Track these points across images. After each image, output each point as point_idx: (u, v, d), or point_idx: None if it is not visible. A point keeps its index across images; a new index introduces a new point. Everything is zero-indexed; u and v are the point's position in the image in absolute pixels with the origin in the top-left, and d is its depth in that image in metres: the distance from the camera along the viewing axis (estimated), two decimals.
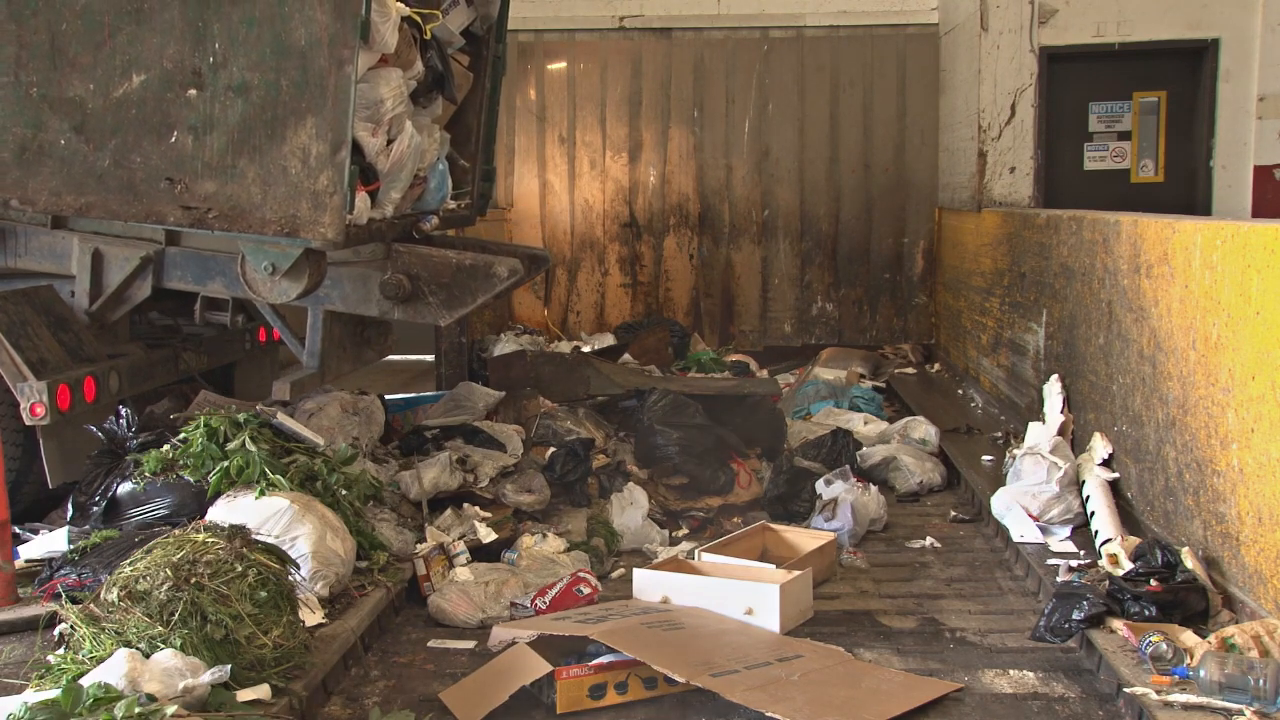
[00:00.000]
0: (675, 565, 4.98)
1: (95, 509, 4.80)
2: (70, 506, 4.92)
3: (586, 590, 4.77)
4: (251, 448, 4.67)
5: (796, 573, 4.70)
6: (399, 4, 5.20)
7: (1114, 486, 5.28)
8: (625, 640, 3.96)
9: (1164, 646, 3.72)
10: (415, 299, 5.60)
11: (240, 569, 3.62)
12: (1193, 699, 3.48)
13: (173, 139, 4.66)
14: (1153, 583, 4.15)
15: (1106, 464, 5.39)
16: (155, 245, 5.65)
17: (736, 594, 4.56)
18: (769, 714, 3.63)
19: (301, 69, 4.63)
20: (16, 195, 4.69)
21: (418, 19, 5.47)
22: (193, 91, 4.62)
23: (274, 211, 4.72)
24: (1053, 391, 6.15)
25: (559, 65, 11.15)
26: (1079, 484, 5.42)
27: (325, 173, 4.67)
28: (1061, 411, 5.98)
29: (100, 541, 4.43)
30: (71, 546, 4.53)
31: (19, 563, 4.64)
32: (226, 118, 4.66)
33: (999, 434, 7.11)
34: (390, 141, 5.29)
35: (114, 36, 4.58)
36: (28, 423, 5.04)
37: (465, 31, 6.46)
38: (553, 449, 6.15)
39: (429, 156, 5.82)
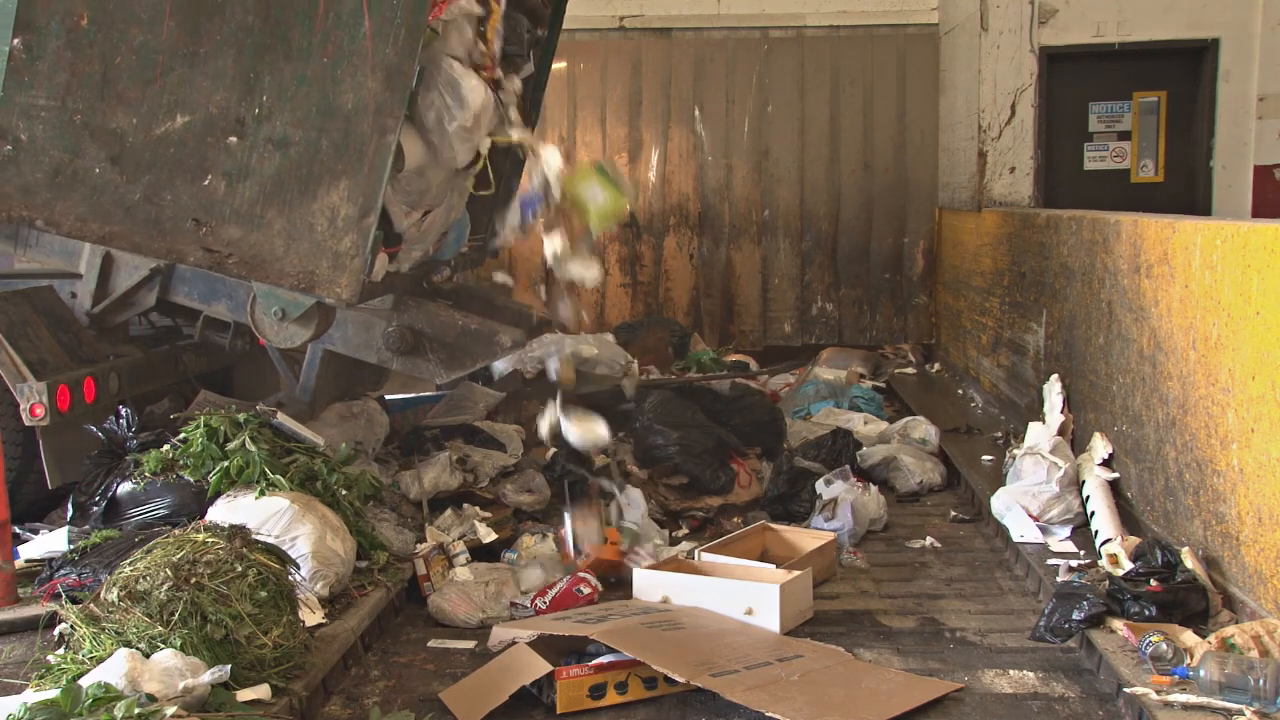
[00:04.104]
0: (675, 565, 4.98)
1: (95, 509, 4.80)
2: (70, 506, 4.93)
3: (586, 590, 4.77)
4: (251, 448, 4.67)
5: (796, 573, 4.70)
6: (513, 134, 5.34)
7: (1114, 486, 5.27)
8: (625, 640, 3.96)
9: (1164, 646, 3.72)
10: (416, 353, 5.59)
11: (240, 569, 3.62)
12: (1193, 699, 3.47)
13: (206, 182, 4.68)
14: (1153, 583, 4.15)
15: (1106, 464, 5.38)
16: None
17: (736, 594, 4.56)
18: (769, 714, 3.63)
19: (344, 131, 4.64)
20: (43, 216, 4.69)
21: (521, 152, 5.59)
22: (233, 139, 4.63)
23: (294, 265, 4.73)
24: (1053, 391, 6.15)
25: (559, 65, 11.08)
26: (1079, 484, 5.42)
27: (350, 235, 4.68)
28: (1061, 411, 5.97)
29: (100, 541, 4.43)
30: (71, 546, 4.53)
31: (19, 563, 4.64)
32: (262, 168, 4.67)
33: (999, 434, 7.11)
34: (426, 214, 5.28)
35: (165, 75, 4.59)
36: (27, 423, 5.05)
37: None
38: (553, 449, 6.15)
39: (454, 214, 5.81)
